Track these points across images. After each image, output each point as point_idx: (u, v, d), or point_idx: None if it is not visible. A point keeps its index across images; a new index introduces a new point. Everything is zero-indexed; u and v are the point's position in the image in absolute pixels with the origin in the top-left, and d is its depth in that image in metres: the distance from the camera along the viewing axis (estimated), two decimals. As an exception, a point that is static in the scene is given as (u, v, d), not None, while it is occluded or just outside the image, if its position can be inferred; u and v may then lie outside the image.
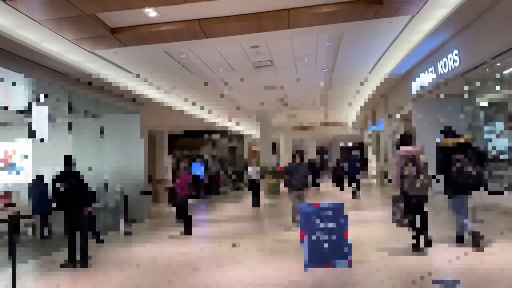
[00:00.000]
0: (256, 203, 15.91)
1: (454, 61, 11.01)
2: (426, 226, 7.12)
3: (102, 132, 13.25)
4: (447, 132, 7.51)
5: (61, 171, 7.67)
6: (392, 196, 7.25)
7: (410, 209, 6.99)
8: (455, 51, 10.94)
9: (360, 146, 34.73)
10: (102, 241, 9.66)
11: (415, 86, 14.46)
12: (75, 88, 11.57)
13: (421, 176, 6.95)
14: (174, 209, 13.22)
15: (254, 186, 16.59)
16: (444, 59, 11.61)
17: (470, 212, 7.70)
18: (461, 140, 7.31)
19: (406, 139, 7.54)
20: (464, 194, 7.25)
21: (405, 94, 16.12)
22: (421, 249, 6.93)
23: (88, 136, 12.96)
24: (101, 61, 10.97)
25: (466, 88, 12.41)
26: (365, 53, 12.50)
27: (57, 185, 7.46)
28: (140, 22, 8.95)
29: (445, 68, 11.66)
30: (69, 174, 7.62)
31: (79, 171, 7.73)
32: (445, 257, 6.60)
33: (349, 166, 17.80)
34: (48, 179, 11.45)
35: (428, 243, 7.04)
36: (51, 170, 11.88)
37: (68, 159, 7.71)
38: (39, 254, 8.94)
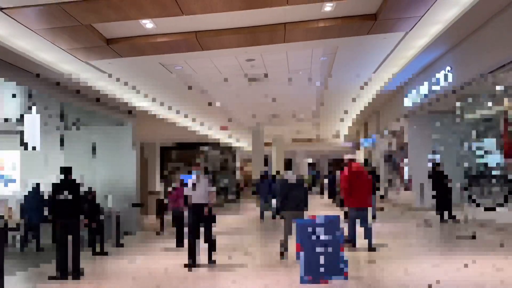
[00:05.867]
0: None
1: (447, 77, 11.16)
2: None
3: (94, 151, 13.14)
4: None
5: (60, 181, 7.56)
6: None
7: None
8: (448, 68, 11.09)
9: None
10: (106, 253, 9.55)
11: (407, 102, 14.60)
12: (67, 98, 11.49)
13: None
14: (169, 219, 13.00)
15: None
16: (437, 75, 11.76)
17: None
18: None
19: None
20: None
21: (397, 110, 16.27)
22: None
23: (79, 147, 12.86)
24: (95, 72, 10.92)
25: (458, 104, 12.56)
26: (359, 68, 12.62)
27: (56, 195, 7.36)
28: (136, 33, 8.94)
29: (437, 84, 11.80)
30: (69, 184, 7.52)
31: (78, 183, 7.64)
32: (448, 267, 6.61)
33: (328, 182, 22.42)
34: (43, 190, 11.34)
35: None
36: (40, 180, 11.79)
37: (67, 170, 7.63)
38: (27, 266, 8.75)
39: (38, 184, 11.44)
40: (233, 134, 27.30)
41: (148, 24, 8.36)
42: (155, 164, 22.60)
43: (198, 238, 7.91)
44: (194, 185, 8.02)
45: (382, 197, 18.64)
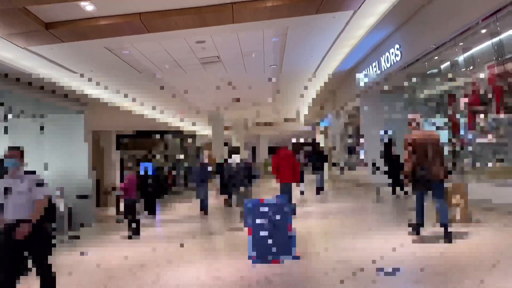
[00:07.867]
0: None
1: (396, 55, 11.33)
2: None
3: (42, 129, 12.49)
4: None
5: None
6: None
7: None
8: (396, 46, 11.25)
9: (313, 142, 35.12)
10: (54, 245, 9.20)
11: (360, 81, 14.78)
12: (10, 88, 10.90)
13: None
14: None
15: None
16: (387, 53, 11.93)
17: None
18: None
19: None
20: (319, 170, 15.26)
21: (351, 89, 16.46)
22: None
23: (26, 138, 12.24)
24: (39, 59, 10.40)
25: (409, 81, 12.79)
26: (311, 48, 12.62)
27: None
28: (76, 17, 8.54)
29: (387, 62, 11.97)
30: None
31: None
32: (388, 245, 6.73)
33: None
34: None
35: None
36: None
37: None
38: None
39: None
40: (191, 120, 26.94)
41: (87, 6, 8.00)
42: (111, 153, 21.97)
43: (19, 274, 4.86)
44: (6, 189, 4.76)
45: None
